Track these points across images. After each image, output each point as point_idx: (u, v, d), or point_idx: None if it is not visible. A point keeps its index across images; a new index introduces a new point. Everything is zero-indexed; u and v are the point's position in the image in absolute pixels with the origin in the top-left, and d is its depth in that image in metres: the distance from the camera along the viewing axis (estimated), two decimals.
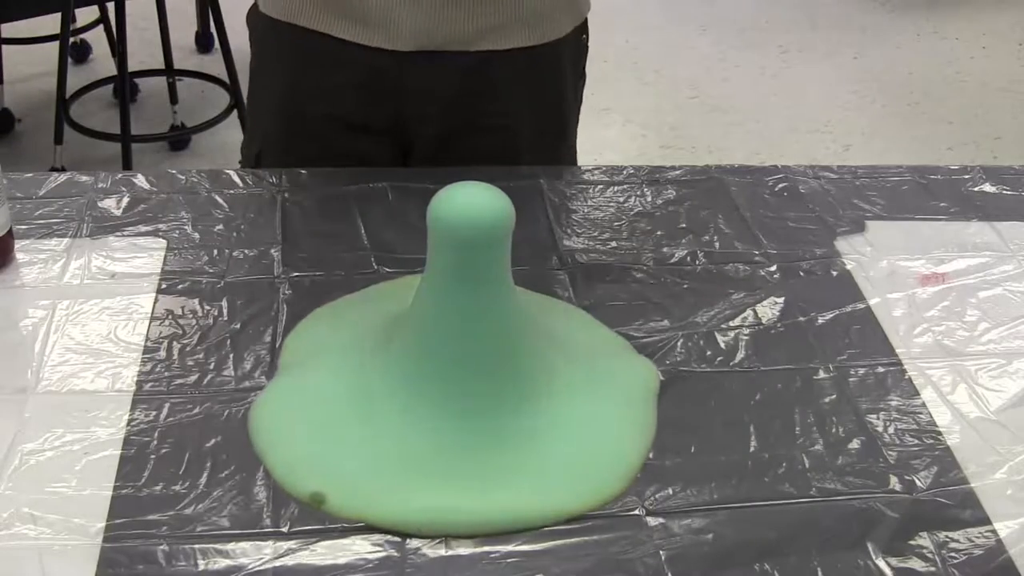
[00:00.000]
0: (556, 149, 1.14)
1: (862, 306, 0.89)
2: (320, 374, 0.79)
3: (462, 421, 0.74)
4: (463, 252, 0.73)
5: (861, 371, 0.82)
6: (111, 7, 2.43)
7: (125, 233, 0.92)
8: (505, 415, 0.75)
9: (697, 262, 0.93)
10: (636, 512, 0.70)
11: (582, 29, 1.12)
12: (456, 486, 0.72)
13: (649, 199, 1.01)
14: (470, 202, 0.72)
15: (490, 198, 0.73)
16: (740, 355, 0.83)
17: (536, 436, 0.75)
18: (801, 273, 0.92)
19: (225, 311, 0.84)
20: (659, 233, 0.96)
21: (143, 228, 0.93)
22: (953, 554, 0.67)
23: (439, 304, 0.75)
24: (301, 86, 1.08)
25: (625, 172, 1.05)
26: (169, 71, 2.62)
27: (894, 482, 0.72)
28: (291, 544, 0.66)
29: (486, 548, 0.67)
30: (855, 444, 0.75)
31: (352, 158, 1.07)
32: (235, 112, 2.52)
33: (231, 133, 2.59)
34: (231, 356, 0.80)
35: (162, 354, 0.79)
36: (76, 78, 2.66)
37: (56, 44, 2.43)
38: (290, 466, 0.72)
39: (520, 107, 1.09)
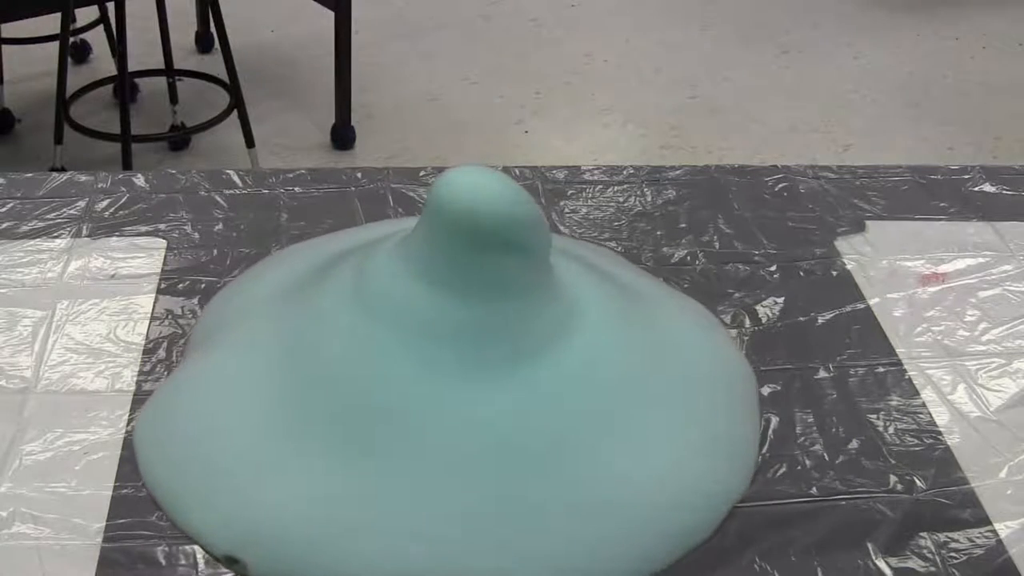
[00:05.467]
0: None
1: (862, 306, 0.89)
2: (225, 353, 0.58)
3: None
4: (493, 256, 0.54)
5: (861, 371, 0.82)
6: (111, 7, 2.43)
7: (125, 233, 0.92)
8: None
9: (697, 262, 0.93)
10: None
11: None
12: (448, 529, 0.50)
13: (649, 199, 1.01)
14: (477, 184, 0.57)
15: (503, 185, 0.58)
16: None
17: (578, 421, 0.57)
18: (801, 273, 0.92)
19: None
20: (659, 233, 0.96)
21: (143, 228, 0.93)
22: (953, 554, 0.67)
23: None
24: None
25: (625, 172, 1.05)
26: (169, 71, 2.62)
27: (894, 482, 0.72)
28: None
29: None
30: (855, 444, 0.75)
31: None
32: (235, 112, 2.51)
33: (231, 133, 2.60)
34: None
35: (162, 354, 0.79)
36: (76, 78, 2.66)
37: (56, 44, 2.43)
38: (188, 517, 0.55)
39: None
